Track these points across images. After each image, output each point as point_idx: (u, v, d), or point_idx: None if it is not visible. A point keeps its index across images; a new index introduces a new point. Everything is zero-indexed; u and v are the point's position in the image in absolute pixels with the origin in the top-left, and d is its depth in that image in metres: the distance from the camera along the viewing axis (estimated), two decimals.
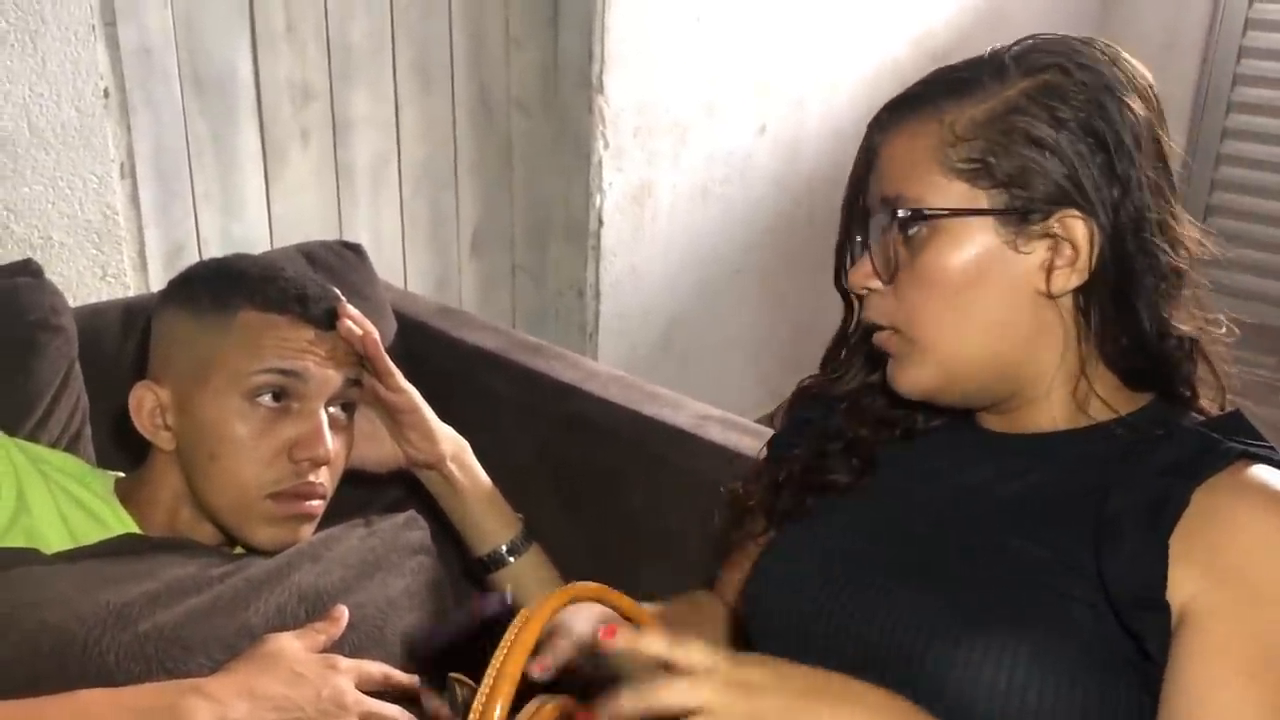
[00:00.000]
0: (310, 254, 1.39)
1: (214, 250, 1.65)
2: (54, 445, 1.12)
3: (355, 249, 1.44)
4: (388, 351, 1.08)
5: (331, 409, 1.04)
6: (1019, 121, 0.78)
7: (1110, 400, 0.82)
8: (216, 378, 1.01)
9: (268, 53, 1.66)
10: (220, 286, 1.05)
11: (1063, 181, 0.78)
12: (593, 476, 1.30)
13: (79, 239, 1.42)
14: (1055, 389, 0.83)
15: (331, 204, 1.80)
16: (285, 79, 1.69)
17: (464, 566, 1.21)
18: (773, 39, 2.36)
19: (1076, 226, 0.78)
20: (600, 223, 2.12)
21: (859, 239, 0.87)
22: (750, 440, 1.17)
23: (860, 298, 0.87)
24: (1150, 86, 0.81)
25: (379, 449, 1.14)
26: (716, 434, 1.19)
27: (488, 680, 0.71)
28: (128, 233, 1.46)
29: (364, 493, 1.23)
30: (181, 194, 1.61)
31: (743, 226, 2.45)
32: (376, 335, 1.06)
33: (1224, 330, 0.84)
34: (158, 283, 1.55)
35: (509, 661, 0.72)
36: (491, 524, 1.15)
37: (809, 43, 2.45)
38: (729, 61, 2.28)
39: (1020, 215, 0.78)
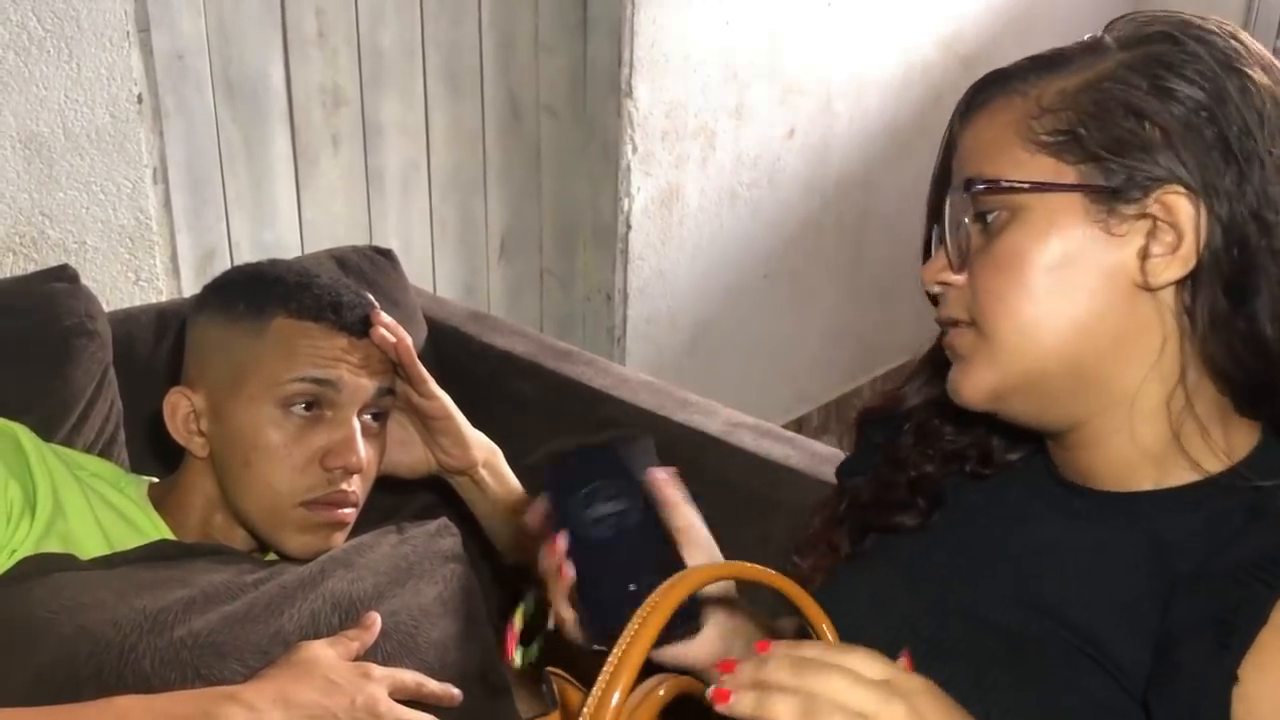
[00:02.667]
0: (342, 259, 1.40)
1: (245, 255, 1.66)
2: (89, 450, 1.13)
3: (387, 254, 1.45)
4: (419, 357, 1.08)
5: (364, 417, 1.04)
6: (1116, 90, 0.68)
7: (1210, 429, 0.70)
8: (251, 385, 1.01)
9: (299, 58, 1.67)
10: (255, 293, 1.05)
11: (1165, 155, 0.66)
12: None
13: (112, 244, 1.43)
14: (1143, 414, 0.70)
15: (361, 209, 1.80)
16: (316, 85, 1.69)
17: (494, 573, 1.21)
18: (801, 42, 2.35)
19: (1180, 206, 0.66)
20: (628, 227, 2.11)
21: (936, 235, 0.77)
22: (782, 448, 1.16)
23: (937, 301, 0.77)
24: (1275, 65, 0.70)
25: (411, 455, 1.14)
26: (748, 441, 1.18)
27: (611, 661, 0.63)
28: (160, 238, 1.47)
29: (395, 498, 1.23)
30: (213, 199, 1.62)
31: (771, 230, 2.44)
32: (410, 342, 1.06)
33: None
34: (190, 288, 1.55)
35: (635, 646, 0.63)
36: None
37: (837, 46, 2.44)
38: (757, 65, 2.27)
39: (1113, 192, 0.67)
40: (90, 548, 0.97)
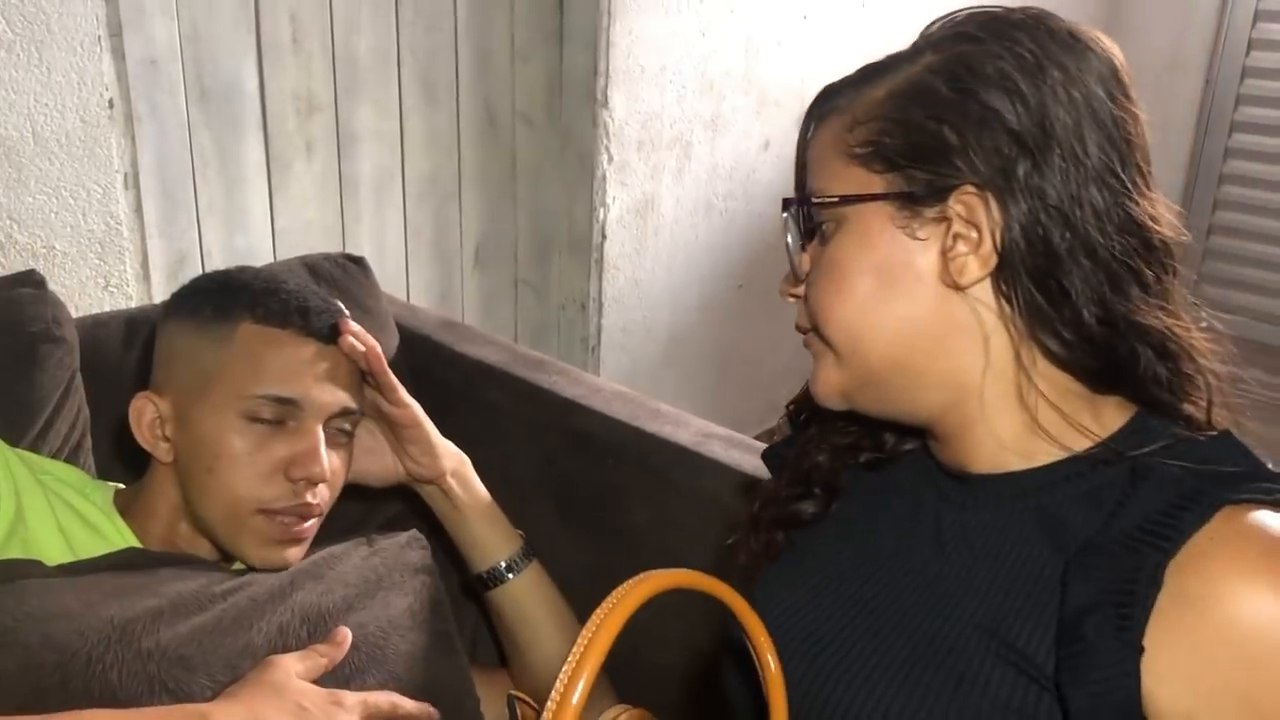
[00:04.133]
0: (313, 266, 1.39)
1: (217, 262, 1.65)
2: (54, 457, 1.11)
3: (358, 261, 1.44)
4: (391, 365, 1.08)
5: (330, 427, 1.04)
6: (916, 96, 0.70)
7: (1072, 414, 0.70)
8: (215, 392, 1.01)
9: (273, 65, 1.66)
10: (223, 298, 1.05)
11: (962, 157, 0.68)
12: (595, 493, 1.29)
13: (82, 249, 1.42)
14: (994, 404, 0.72)
15: (335, 216, 1.80)
16: (291, 91, 1.69)
17: (463, 584, 1.21)
18: (777, 54, 2.36)
19: (974, 205, 0.68)
20: (603, 236, 2.12)
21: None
22: (752, 458, 1.16)
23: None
24: (1111, 60, 0.71)
25: (379, 463, 1.14)
26: (719, 452, 1.18)
27: (566, 670, 0.62)
28: (131, 243, 1.46)
29: (364, 506, 1.22)
30: (185, 205, 1.61)
31: (745, 242, 2.45)
32: (379, 350, 1.06)
33: (1205, 327, 0.72)
34: (160, 294, 1.54)
35: (590, 652, 0.61)
36: (491, 540, 1.14)
37: (813, 58, 2.45)
38: (733, 77, 2.28)
39: (913, 198, 0.69)
40: (53, 554, 0.96)
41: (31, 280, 1.14)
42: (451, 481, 1.13)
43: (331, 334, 1.04)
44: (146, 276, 1.50)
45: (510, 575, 1.14)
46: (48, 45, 1.33)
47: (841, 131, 0.72)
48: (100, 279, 1.45)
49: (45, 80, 1.34)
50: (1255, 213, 3.30)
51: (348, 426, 1.06)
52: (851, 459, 0.85)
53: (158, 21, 1.51)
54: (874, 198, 0.71)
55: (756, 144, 2.38)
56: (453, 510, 1.14)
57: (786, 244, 0.77)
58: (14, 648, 0.84)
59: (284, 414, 1.00)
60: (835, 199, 0.72)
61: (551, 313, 2.18)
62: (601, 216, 2.10)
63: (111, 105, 1.40)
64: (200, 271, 1.64)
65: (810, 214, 0.74)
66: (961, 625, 0.71)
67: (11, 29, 1.30)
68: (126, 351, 1.26)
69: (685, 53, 2.16)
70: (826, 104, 0.76)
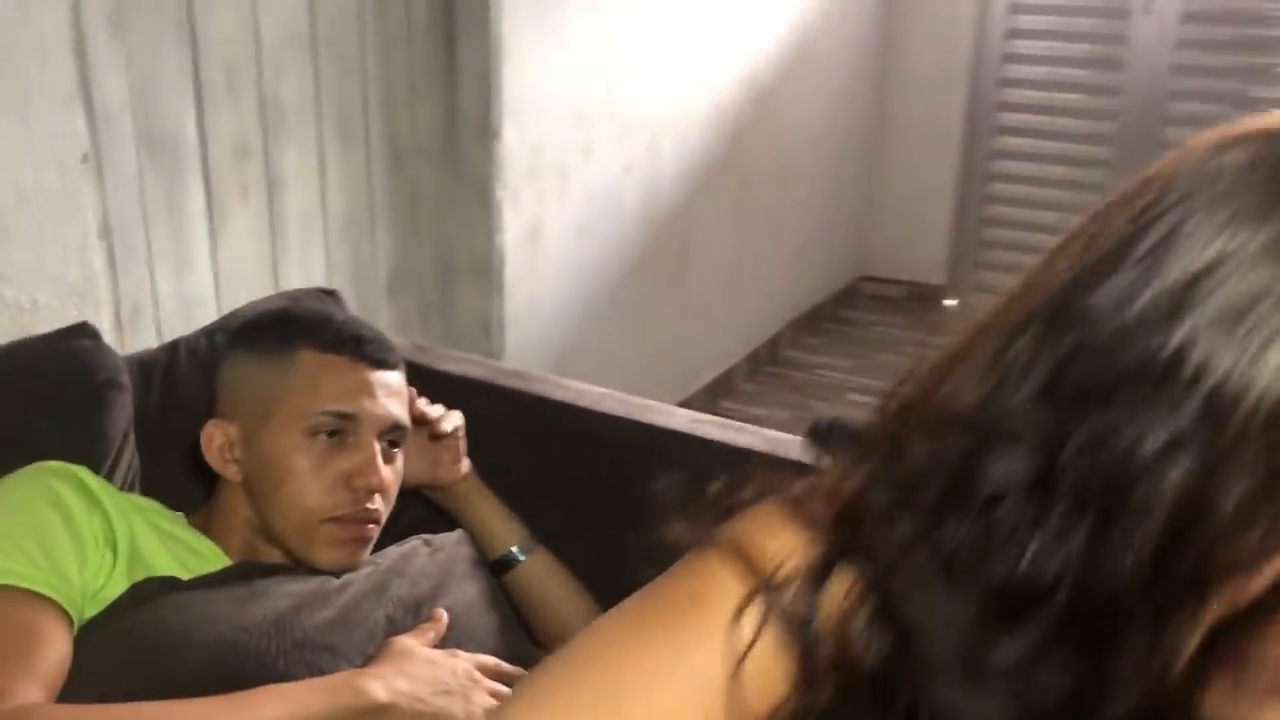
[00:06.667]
0: (294, 299, 1.47)
1: (169, 309, 1.69)
2: None
3: (332, 294, 1.54)
4: None
5: (383, 442, 1.16)
6: None
7: None
8: (280, 415, 1.12)
9: (212, 111, 1.72)
10: (282, 330, 1.16)
11: None
12: (595, 487, 1.43)
13: (63, 300, 1.45)
14: None
15: (267, 257, 1.86)
16: (228, 136, 1.75)
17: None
18: (632, 82, 2.57)
19: None
20: (502, 261, 2.26)
21: None
22: (747, 437, 1.36)
23: None
24: None
25: (412, 469, 1.26)
26: (715, 434, 1.37)
27: None
28: (105, 293, 1.49)
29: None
30: (138, 254, 1.64)
31: (617, 262, 2.64)
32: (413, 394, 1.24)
33: None
34: (130, 343, 1.57)
35: None
36: (503, 530, 1.31)
37: (659, 85, 2.68)
38: (599, 106, 2.47)
39: None
40: (173, 573, 1.05)
41: (86, 332, 1.20)
42: (470, 482, 1.29)
43: (381, 359, 1.17)
44: (119, 325, 1.54)
45: (523, 557, 1.30)
46: (28, 104, 1.36)
47: None
48: None
49: (27, 137, 1.37)
50: (1019, 205, 3.81)
51: (398, 441, 1.19)
52: None
53: (111, 75, 1.55)
54: None
55: (619, 168, 2.58)
56: (471, 506, 1.30)
57: None
58: (192, 649, 0.95)
59: (343, 428, 1.12)
60: None
61: (457, 333, 2.30)
62: (498, 242, 2.24)
63: (85, 160, 1.44)
64: (152, 319, 1.68)
65: None
66: None
67: None
68: (146, 395, 1.31)
69: (561, 84, 2.33)
70: None
